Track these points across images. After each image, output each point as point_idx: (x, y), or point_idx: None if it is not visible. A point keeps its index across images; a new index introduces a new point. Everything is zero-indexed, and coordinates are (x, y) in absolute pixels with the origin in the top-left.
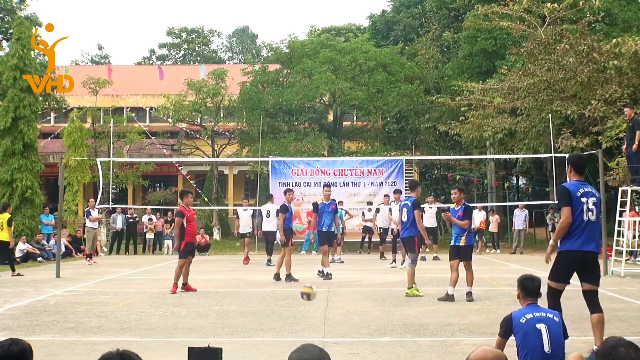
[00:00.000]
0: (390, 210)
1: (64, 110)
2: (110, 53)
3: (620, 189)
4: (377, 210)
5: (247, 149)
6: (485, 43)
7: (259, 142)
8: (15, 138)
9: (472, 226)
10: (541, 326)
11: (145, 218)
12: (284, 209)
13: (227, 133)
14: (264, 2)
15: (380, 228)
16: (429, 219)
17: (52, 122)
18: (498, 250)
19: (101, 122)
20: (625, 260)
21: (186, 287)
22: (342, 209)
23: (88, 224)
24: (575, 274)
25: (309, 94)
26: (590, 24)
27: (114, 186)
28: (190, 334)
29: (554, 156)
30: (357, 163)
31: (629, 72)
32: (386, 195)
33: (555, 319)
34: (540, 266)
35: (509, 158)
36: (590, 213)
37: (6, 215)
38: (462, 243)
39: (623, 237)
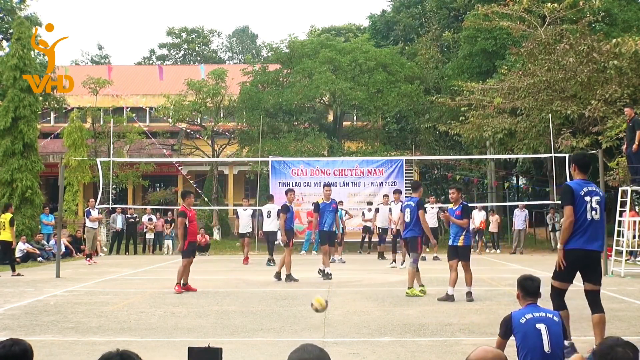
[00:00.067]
0: (390, 210)
1: (64, 110)
2: (110, 53)
3: (620, 189)
4: (377, 210)
5: (247, 149)
6: (485, 43)
7: (259, 142)
8: (15, 138)
9: (472, 226)
10: (541, 326)
11: (145, 218)
12: (285, 209)
13: (227, 133)
14: (264, 2)
15: (379, 228)
16: (430, 219)
17: (52, 122)
18: (498, 250)
19: (101, 122)
20: (625, 260)
21: (186, 287)
22: (342, 209)
23: (88, 224)
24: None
25: (309, 94)
26: (590, 24)
27: (114, 186)
28: (190, 334)
29: (554, 156)
30: (357, 163)
31: (629, 72)
32: (385, 195)
33: (555, 319)
34: (540, 266)
35: (509, 158)
36: (594, 212)
37: (8, 215)
38: (460, 243)
39: (623, 237)
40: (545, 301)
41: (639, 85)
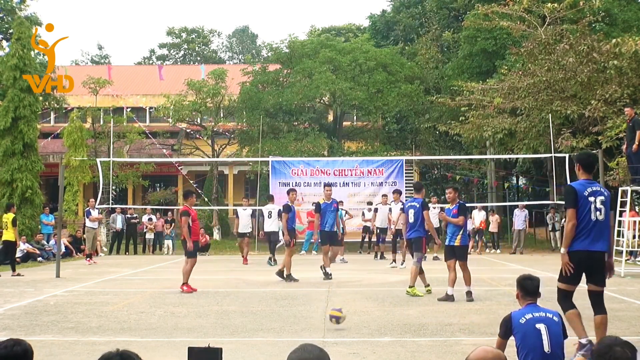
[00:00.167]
0: (390, 210)
1: (64, 110)
2: (110, 53)
3: (620, 189)
4: (375, 210)
5: (247, 149)
6: (485, 43)
7: (259, 142)
8: (15, 138)
9: (472, 226)
10: (541, 326)
11: (145, 218)
12: (287, 209)
13: (227, 133)
14: (264, 2)
15: (377, 228)
16: (432, 219)
17: (52, 122)
18: (498, 250)
19: (101, 122)
20: (625, 260)
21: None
22: (342, 209)
23: (88, 224)
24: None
25: (309, 94)
26: (590, 24)
27: (114, 186)
28: (190, 334)
29: (554, 156)
30: (357, 163)
31: (629, 72)
32: (384, 195)
33: (555, 318)
34: (540, 266)
35: (509, 158)
36: (598, 213)
37: (10, 215)
38: (457, 243)
39: (623, 237)
40: (545, 301)
41: (639, 85)
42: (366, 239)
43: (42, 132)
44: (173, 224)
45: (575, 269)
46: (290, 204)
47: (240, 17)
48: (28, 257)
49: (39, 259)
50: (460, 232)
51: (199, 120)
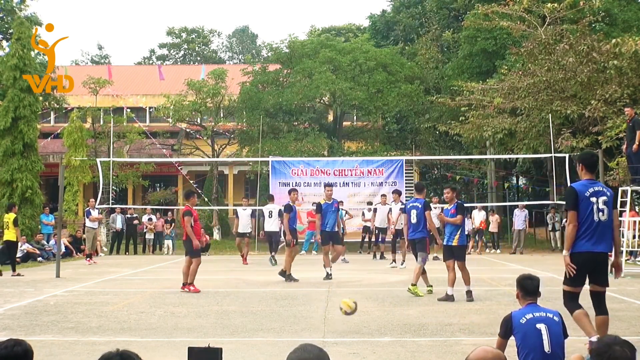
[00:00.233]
0: (390, 210)
1: (64, 110)
2: (110, 53)
3: (620, 189)
4: (374, 210)
5: (247, 149)
6: (485, 43)
7: (259, 142)
8: (15, 138)
9: (472, 226)
10: (541, 326)
11: (145, 218)
12: (289, 209)
13: (227, 133)
14: (264, 2)
15: (377, 228)
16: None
17: (52, 122)
18: (498, 250)
19: (101, 122)
20: (625, 260)
21: (186, 287)
22: (342, 209)
23: (88, 224)
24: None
25: (309, 94)
26: (590, 24)
27: (114, 186)
28: (190, 334)
29: (554, 156)
30: (357, 163)
31: (629, 72)
32: (383, 195)
33: (555, 318)
34: (540, 266)
35: (509, 158)
36: (600, 213)
37: (12, 215)
38: (454, 243)
39: (623, 237)
40: (545, 301)
41: (639, 85)
42: (366, 239)
43: (42, 132)
44: (173, 224)
45: (579, 270)
46: (291, 204)
47: (240, 17)
48: (28, 257)
49: (39, 259)
50: (458, 232)
51: (199, 120)
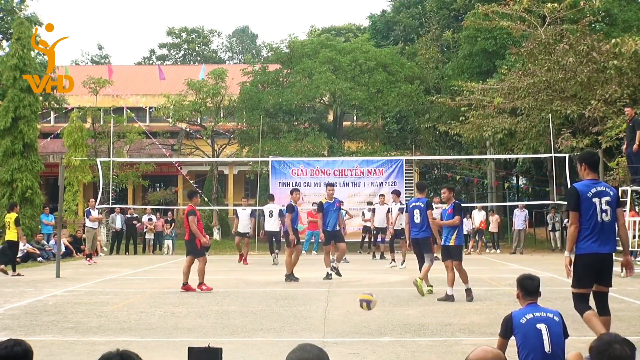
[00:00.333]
0: (390, 210)
1: (64, 110)
2: (110, 53)
3: (620, 189)
4: (373, 210)
5: (247, 149)
6: (485, 43)
7: (259, 142)
8: (15, 138)
9: (472, 226)
10: (541, 326)
11: (145, 218)
12: (291, 209)
13: (227, 133)
14: (264, 2)
15: (375, 228)
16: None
17: (52, 122)
18: (498, 250)
19: (101, 122)
20: None
21: (186, 287)
22: (342, 209)
23: (88, 224)
24: None
25: (309, 94)
26: (590, 24)
27: (114, 186)
28: (190, 334)
29: (554, 156)
30: (357, 163)
31: (629, 72)
32: (381, 195)
33: (556, 318)
34: (540, 266)
35: (509, 158)
36: (604, 214)
37: (13, 215)
38: (451, 243)
39: None
40: (545, 301)
41: (639, 85)
42: (366, 239)
43: (42, 132)
44: (173, 224)
45: (586, 272)
46: (293, 204)
47: (240, 17)
48: (28, 257)
49: (39, 259)
50: (455, 232)
51: (199, 120)
